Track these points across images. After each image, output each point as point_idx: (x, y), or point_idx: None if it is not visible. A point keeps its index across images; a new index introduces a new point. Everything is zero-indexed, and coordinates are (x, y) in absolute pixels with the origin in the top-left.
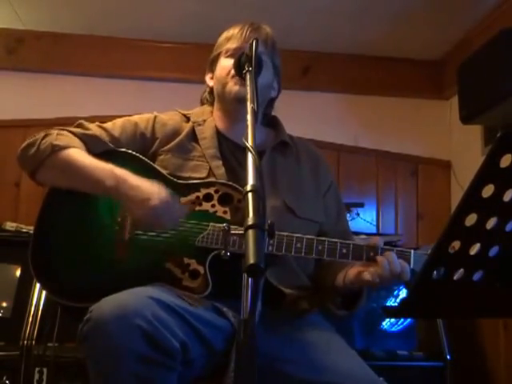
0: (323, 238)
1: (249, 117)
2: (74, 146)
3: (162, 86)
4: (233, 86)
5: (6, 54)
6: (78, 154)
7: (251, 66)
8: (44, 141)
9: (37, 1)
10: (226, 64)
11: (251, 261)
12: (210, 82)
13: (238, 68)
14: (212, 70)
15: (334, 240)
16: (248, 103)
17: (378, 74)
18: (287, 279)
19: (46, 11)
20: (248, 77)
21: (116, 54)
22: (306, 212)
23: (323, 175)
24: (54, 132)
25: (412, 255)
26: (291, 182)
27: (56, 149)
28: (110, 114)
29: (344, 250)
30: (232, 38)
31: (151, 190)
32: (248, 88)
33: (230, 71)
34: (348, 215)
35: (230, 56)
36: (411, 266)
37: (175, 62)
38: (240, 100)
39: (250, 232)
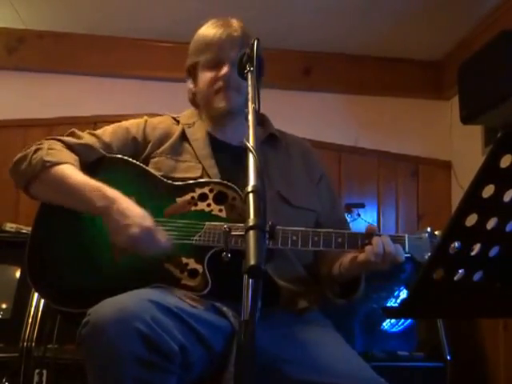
0: (318, 230)
1: (250, 117)
2: (65, 162)
3: (163, 85)
4: (219, 103)
5: (7, 53)
6: (68, 171)
7: (253, 66)
8: (35, 155)
9: (37, 0)
10: (206, 77)
11: (252, 262)
12: (193, 89)
13: (240, 68)
14: (192, 77)
15: (328, 230)
16: (249, 103)
17: (378, 74)
18: (284, 271)
19: (46, 11)
20: (250, 77)
21: (117, 54)
22: (300, 201)
23: (314, 166)
24: (45, 146)
25: (406, 239)
26: (284, 173)
27: (47, 165)
28: (111, 113)
29: (339, 240)
30: (208, 46)
31: (135, 216)
32: (249, 88)
33: (212, 84)
34: (349, 216)
35: (209, 68)
36: (406, 250)
37: (176, 61)
38: (227, 114)
39: (251, 233)
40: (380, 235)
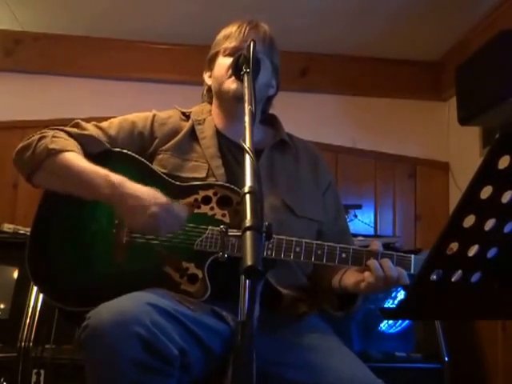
0: (322, 243)
1: (246, 118)
2: (69, 150)
3: (160, 87)
4: (231, 85)
5: (4, 55)
6: (73, 159)
7: (249, 68)
8: (39, 143)
9: (34, 2)
10: (224, 63)
11: (249, 263)
12: (209, 81)
13: (236, 69)
14: (210, 69)
15: (333, 244)
16: (246, 105)
17: (376, 75)
18: (286, 279)
19: (43, 12)
20: (246, 78)
21: (113, 56)
22: (304, 211)
23: (322, 174)
24: (50, 134)
25: (412, 260)
26: (290, 180)
27: (52, 152)
28: (108, 115)
29: (343, 255)
30: (230, 36)
31: (148, 196)
32: (246, 90)
33: (228, 70)
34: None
35: (228, 55)
36: (412, 271)
37: (173, 63)
38: (238, 98)
39: (248, 234)
40: (385, 254)
